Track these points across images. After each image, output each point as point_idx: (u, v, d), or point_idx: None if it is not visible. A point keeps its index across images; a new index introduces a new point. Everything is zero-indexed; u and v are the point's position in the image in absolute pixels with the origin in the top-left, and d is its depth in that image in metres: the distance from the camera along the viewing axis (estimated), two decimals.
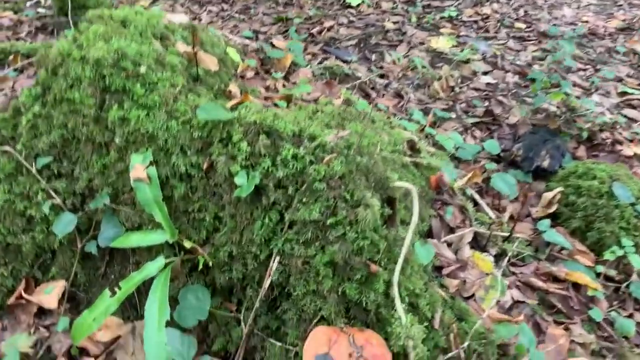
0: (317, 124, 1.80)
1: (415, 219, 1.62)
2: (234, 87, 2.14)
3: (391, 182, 1.70)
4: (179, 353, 1.64)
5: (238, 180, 1.61)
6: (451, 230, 2.25)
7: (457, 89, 3.81)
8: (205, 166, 1.67)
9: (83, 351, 1.86)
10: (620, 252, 2.21)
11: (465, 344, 1.65)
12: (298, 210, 1.59)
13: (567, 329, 1.98)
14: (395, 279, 1.59)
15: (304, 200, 1.60)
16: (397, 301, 1.57)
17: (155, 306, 1.50)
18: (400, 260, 1.61)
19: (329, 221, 1.57)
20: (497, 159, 3.02)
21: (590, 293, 2.11)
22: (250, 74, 3.07)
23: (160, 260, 1.67)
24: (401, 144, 2.31)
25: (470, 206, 2.36)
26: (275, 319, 1.71)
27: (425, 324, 1.59)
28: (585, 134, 3.22)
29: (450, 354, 1.63)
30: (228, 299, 1.79)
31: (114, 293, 1.64)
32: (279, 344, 1.68)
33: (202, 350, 1.79)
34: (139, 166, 1.69)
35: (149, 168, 1.69)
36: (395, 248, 1.67)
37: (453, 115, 3.45)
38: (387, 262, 1.64)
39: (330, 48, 4.25)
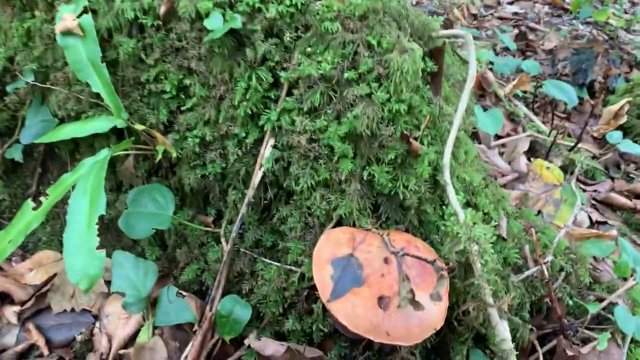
0: None
1: (472, 73, 1.09)
2: None
3: (433, 30, 1.17)
4: (130, 283, 1.12)
5: (210, 23, 1.08)
6: (500, 139, 1.72)
7: (479, 17, 3.29)
8: (162, 10, 1.14)
9: (5, 298, 1.34)
10: None
11: (548, 257, 1.12)
12: (300, 66, 1.07)
13: None
14: (446, 159, 1.07)
15: (309, 49, 1.07)
16: (450, 190, 1.04)
17: (85, 199, 0.97)
18: (453, 136, 1.08)
19: (346, 76, 1.04)
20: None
21: None
22: None
23: (103, 153, 1.14)
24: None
25: (521, 112, 1.83)
26: (270, 232, 1.19)
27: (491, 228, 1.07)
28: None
29: (528, 272, 1.11)
30: (202, 209, 1.26)
31: (39, 205, 1.12)
32: (276, 264, 1.15)
33: (167, 282, 1.26)
34: (69, 16, 1.16)
35: (83, 17, 1.16)
36: (443, 123, 1.14)
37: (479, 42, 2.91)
38: (432, 141, 1.12)
39: None
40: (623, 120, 2.00)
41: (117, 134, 1.26)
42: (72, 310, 1.34)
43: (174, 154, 1.17)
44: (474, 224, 1.00)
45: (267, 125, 1.11)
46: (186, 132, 1.19)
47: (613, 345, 1.09)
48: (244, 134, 1.14)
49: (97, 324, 1.31)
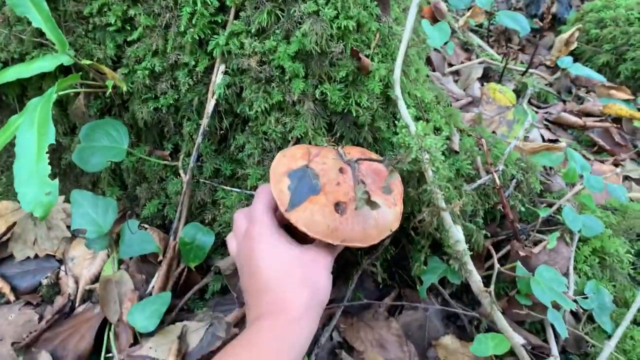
0: None
1: None
2: None
3: None
4: (90, 220, 1.12)
5: None
6: (454, 67, 1.74)
7: None
8: None
9: None
10: None
11: (500, 167, 1.16)
12: None
13: (616, 164, 1.53)
14: (397, 74, 1.08)
15: None
16: (401, 104, 1.06)
17: (33, 130, 0.95)
18: (402, 51, 1.09)
19: None
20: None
21: (636, 124, 1.66)
22: None
23: (45, 94, 1.11)
24: None
25: (475, 42, 1.85)
26: (228, 161, 1.19)
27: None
28: None
29: (480, 181, 1.15)
30: (159, 144, 1.25)
31: None
32: (236, 191, 1.16)
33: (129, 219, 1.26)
34: None
35: None
36: (393, 41, 1.15)
37: None
38: (383, 58, 1.13)
39: None
40: (573, 46, 2.04)
41: (64, 73, 1.23)
42: (36, 256, 1.33)
43: (124, 88, 1.15)
44: (425, 134, 1.02)
45: (216, 51, 1.09)
46: (135, 65, 1.16)
47: (562, 244, 1.15)
48: (193, 62, 1.12)
49: (63, 268, 1.31)
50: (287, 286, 0.81)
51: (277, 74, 1.07)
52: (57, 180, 0.90)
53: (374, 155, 1.02)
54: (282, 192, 0.90)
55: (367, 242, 0.87)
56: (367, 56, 1.09)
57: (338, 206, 0.88)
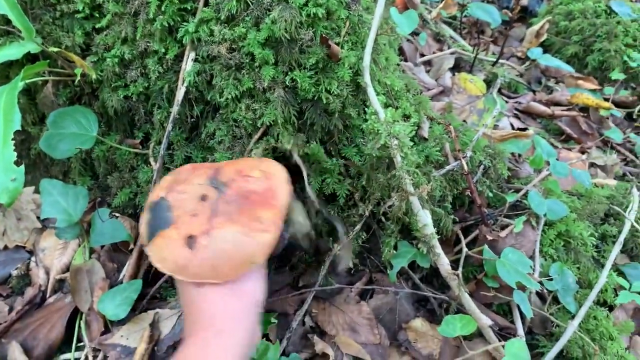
0: None
1: None
2: None
3: None
4: (60, 208, 1.11)
5: None
6: (425, 57, 1.77)
7: None
8: None
9: None
10: (633, 64, 1.80)
11: (468, 153, 1.19)
12: None
13: (583, 152, 1.57)
14: (366, 61, 1.09)
15: None
16: (371, 91, 1.08)
17: None
18: (372, 37, 1.11)
19: None
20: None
21: (603, 113, 1.70)
22: None
23: (15, 79, 1.09)
24: None
25: (447, 33, 1.88)
26: (199, 148, 1.19)
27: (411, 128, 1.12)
28: None
29: (448, 167, 1.17)
30: (129, 133, 1.25)
31: None
32: None
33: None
34: None
35: None
36: (362, 29, 1.16)
37: None
38: (353, 46, 1.14)
39: None
40: (543, 38, 2.09)
41: (32, 61, 1.22)
42: (5, 248, 1.32)
43: (93, 75, 1.14)
44: (394, 121, 1.04)
45: (185, 38, 1.09)
46: (104, 53, 1.16)
47: (528, 228, 1.18)
48: (163, 50, 1.12)
49: (33, 259, 1.30)
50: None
51: (247, 61, 1.07)
52: (22, 167, 0.89)
53: (256, 177, 0.91)
54: (143, 227, 0.84)
55: (219, 278, 0.78)
56: (337, 44, 1.10)
57: (190, 239, 0.79)
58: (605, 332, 1.15)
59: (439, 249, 1.05)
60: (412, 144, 1.04)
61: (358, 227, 1.16)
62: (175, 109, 1.13)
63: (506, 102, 1.73)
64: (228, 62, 1.08)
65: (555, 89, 1.88)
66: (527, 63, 1.98)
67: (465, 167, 1.15)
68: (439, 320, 1.18)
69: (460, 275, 1.04)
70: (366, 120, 1.09)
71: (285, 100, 1.08)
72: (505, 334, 1.14)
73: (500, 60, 1.83)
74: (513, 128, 1.61)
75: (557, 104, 1.76)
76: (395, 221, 1.11)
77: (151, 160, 1.18)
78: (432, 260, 1.09)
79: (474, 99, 1.56)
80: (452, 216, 1.18)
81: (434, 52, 1.78)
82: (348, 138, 1.16)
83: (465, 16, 2.23)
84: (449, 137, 1.23)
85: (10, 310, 1.21)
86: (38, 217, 1.34)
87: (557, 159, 1.30)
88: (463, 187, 1.20)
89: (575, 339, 1.11)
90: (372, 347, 1.09)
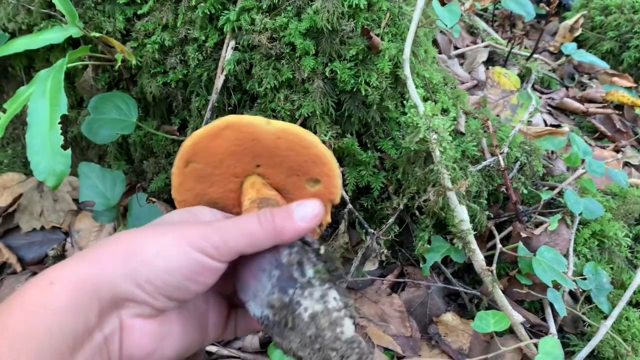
0: None
1: None
2: None
3: None
4: (98, 192, 1.13)
5: None
6: (459, 50, 1.75)
7: None
8: None
9: None
10: None
11: (505, 149, 1.18)
12: None
13: (617, 150, 1.54)
14: (406, 54, 1.08)
15: None
16: (410, 84, 1.07)
17: (45, 100, 0.96)
18: (412, 30, 1.10)
19: None
20: None
21: (638, 111, 1.67)
22: None
23: (57, 64, 1.11)
24: None
25: (481, 26, 1.85)
26: None
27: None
28: None
29: (485, 162, 1.16)
30: (166, 119, 1.26)
31: None
32: None
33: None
34: None
35: None
36: (402, 21, 1.15)
37: None
38: (392, 38, 1.13)
39: None
40: (578, 33, 2.05)
41: (73, 46, 1.23)
42: (42, 228, 1.34)
43: (133, 61, 1.15)
44: (433, 115, 1.03)
45: (226, 27, 1.09)
46: (144, 39, 1.16)
47: (563, 226, 1.17)
48: (203, 38, 1.12)
49: (69, 240, 1.32)
50: None
51: (288, 51, 1.07)
52: (69, 151, 0.91)
53: None
54: None
55: None
56: (377, 35, 1.09)
57: None
58: (637, 333, 1.14)
59: (474, 245, 1.05)
60: (450, 138, 1.03)
61: (391, 220, 1.16)
62: (213, 97, 1.14)
63: (539, 97, 1.71)
64: (268, 52, 1.08)
65: (590, 85, 1.85)
66: (561, 58, 1.95)
67: (503, 163, 1.14)
68: (470, 315, 1.19)
69: (495, 271, 1.04)
70: (405, 114, 1.08)
71: (324, 92, 1.08)
72: (536, 331, 1.13)
73: (534, 55, 1.80)
74: (546, 124, 1.59)
75: (591, 100, 1.73)
76: (430, 215, 1.11)
77: None
78: (467, 256, 1.09)
79: (508, 93, 1.54)
80: (487, 212, 1.18)
81: (467, 45, 1.76)
82: (384, 131, 1.15)
83: (497, 8, 2.20)
84: (485, 132, 1.22)
85: None
86: (74, 199, 1.37)
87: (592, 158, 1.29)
88: (498, 183, 1.19)
89: (607, 339, 1.11)
90: (403, 340, 1.10)
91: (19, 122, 1.45)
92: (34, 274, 1.28)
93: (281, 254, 0.57)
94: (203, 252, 0.53)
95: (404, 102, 1.11)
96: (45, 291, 0.49)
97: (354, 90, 1.09)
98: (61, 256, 1.30)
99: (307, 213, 0.58)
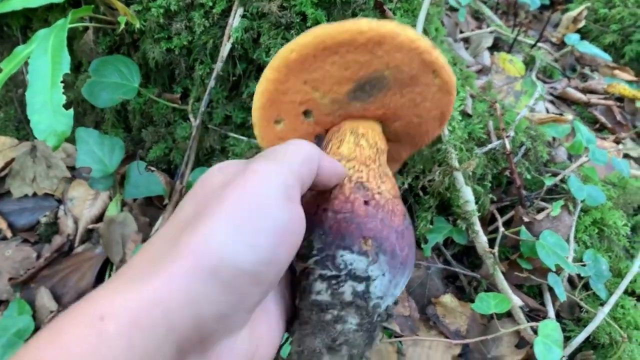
0: None
1: None
2: None
3: None
4: (96, 158, 1.10)
5: None
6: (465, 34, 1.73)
7: None
8: None
9: None
10: None
11: (511, 132, 1.17)
12: None
13: (617, 142, 1.55)
14: (419, 29, 1.06)
15: None
16: None
17: (47, 57, 0.92)
18: (425, 6, 1.07)
19: None
20: None
21: (638, 105, 1.67)
22: None
23: (59, 22, 1.07)
24: None
25: (486, 11, 1.84)
26: (239, 108, 1.17)
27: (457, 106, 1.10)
28: None
29: (491, 145, 1.15)
30: (168, 87, 1.22)
31: None
32: (246, 139, 1.15)
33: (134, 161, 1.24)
34: None
35: None
36: None
37: None
38: (404, 14, 1.11)
39: None
40: (581, 24, 2.04)
41: (73, 6, 1.19)
42: (34, 195, 1.31)
43: (137, 25, 1.11)
44: None
45: None
46: (149, 3, 1.13)
47: (565, 213, 1.17)
48: (210, 4, 1.09)
49: (62, 207, 1.29)
50: None
51: (298, 20, 1.04)
52: (72, 111, 0.88)
53: None
54: None
55: None
56: (389, 10, 1.07)
57: None
58: (632, 321, 1.15)
59: (478, 227, 1.04)
60: (460, 117, 1.02)
61: None
62: (218, 66, 1.11)
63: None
64: (278, 20, 1.05)
65: (591, 77, 1.85)
66: (563, 49, 1.95)
67: (508, 146, 1.13)
68: (468, 297, 1.18)
69: (497, 254, 1.03)
70: None
71: None
72: (534, 315, 1.13)
73: (538, 44, 1.79)
74: (548, 113, 1.58)
75: (593, 92, 1.73)
76: (435, 196, 1.10)
77: (190, 116, 1.17)
78: (470, 237, 1.08)
79: (512, 80, 1.53)
80: (490, 195, 1.17)
81: (472, 30, 1.75)
82: None
83: None
84: (492, 115, 1.21)
85: (39, 256, 1.21)
86: (68, 167, 1.33)
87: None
88: (503, 167, 1.18)
89: (603, 325, 1.11)
90: (402, 319, 1.09)
91: (12, 84, 1.40)
92: (25, 241, 1.25)
93: None
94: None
95: None
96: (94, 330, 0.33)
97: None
98: (53, 224, 1.27)
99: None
